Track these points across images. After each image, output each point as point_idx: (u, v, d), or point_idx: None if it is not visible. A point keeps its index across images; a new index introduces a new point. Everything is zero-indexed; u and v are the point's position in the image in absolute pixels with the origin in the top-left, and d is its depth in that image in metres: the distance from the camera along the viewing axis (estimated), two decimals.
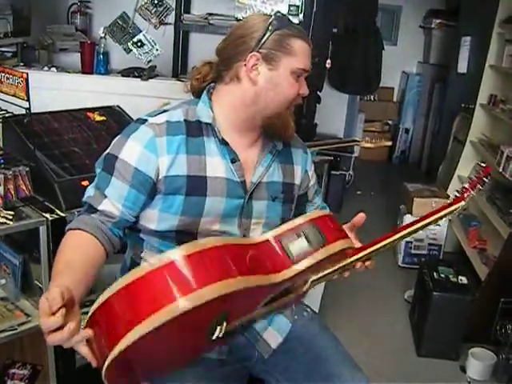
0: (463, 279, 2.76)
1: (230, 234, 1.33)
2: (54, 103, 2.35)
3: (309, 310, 1.54)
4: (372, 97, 6.41)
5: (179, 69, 3.09)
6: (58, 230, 1.75)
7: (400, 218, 3.74)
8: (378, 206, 4.71)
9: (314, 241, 1.18)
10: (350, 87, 4.76)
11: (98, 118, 2.26)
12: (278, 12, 1.32)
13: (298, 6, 2.82)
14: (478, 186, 1.35)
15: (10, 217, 1.71)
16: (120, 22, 3.06)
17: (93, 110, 2.30)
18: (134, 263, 1.39)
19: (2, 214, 1.70)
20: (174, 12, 3.04)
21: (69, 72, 2.85)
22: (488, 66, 3.78)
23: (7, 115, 1.96)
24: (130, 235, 1.36)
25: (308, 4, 2.83)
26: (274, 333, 1.44)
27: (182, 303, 0.89)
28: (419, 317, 2.84)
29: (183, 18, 3.02)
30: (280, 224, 1.28)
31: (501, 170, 3.16)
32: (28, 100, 1.80)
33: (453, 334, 2.68)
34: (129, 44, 3.07)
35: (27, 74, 1.81)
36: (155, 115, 1.31)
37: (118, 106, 2.40)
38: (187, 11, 3.12)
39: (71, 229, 1.24)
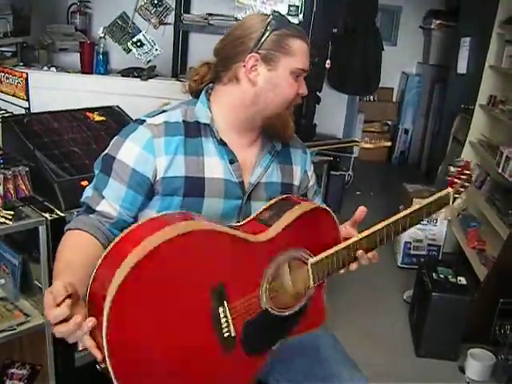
0: (462, 280, 2.76)
1: None
2: (54, 103, 2.35)
3: None
4: (371, 97, 6.41)
5: (179, 69, 3.09)
6: (57, 230, 1.75)
7: None
8: (378, 206, 4.70)
9: (283, 209, 1.28)
10: (349, 87, 4.76)
11: (98, 118, 2.26)
12: (276, 12, 1.31)
13: (297, 7, 2.82)
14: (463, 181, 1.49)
15: (10, 217, 1.71)
16: (120, 22, 3.06)
17: (92, 110, 2.31)
18: None
19: (1, 214, 1.71)
20: (173, 12, 3.04)
21: (68, 72, 2.85)
22: (488, 66, 3.78)
23: (7, 115, 1.96)
24: None
25: (308, 4, 2.84)
26: None
27: (145, 241, 0.99)
28: (418, 317, 2.85)
29: (183, 18, 3.03)
30: None
31: (500, 171, 3.17)
32: (28, 100, 1.80)
33: (452, 335, 2.68)
34: (128, 44, 3.07)
35: (27, 73, 1.81)
36: (154, 116, 1.31)
37: (117, 106, 2.40)
38: (187, 11, 3.12)
39: (70, 229, 1.24)
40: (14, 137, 1.97)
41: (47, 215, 1.78)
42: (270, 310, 1.22)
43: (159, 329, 1.02)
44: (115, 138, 1.31)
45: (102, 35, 2.94)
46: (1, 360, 2.05)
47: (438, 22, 5.84)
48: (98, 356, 0.98)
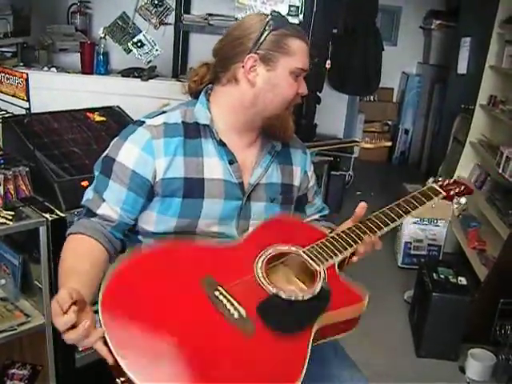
0: (462, 280, 2.76)
1: (227, 236, 1.33)
2: (54, 103, 2.35)
3: None
4: (372, 97, 6.40)
5: (179, 69, 3.09)
6: (57, 231, 1.75)
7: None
8: (378, 206, 4.69)
9: None
10: (349, 88, 4.75)
11: (98, 119, 2.26)
12: (275, 11, 1.31)
13: (297, 7, 2.82)
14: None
15: (10, 217, 1.71)
16: (120, 23, 3.06)
17: (93, 110, 2.31)
18: None
19: (1, 214, 1.71)
20: (174, 12, 3.04)
21: (69, 72, 2.85)
22: (488, 66, 3.78)
23: (7, 115, 1.96)
24: (128, 236, 1.36)
25: (308, 4, 2.84)
26: None
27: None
28: (419, 317, 2.84)
29: (183, 19, 3.03)
30: None
31: (500, 171, 3.17)
32: (28, 100, 1.80)
33: (452, 335, 2.67)
34: (129, 44, 3.06)
35: (27, 74, 1.81)
36: (153, 117, 1.31)
37: (117, 107, 2.40)
38: (187, 11, 3.12)
39: (72, 233, 1.24)
40: (14, 137, 1.97)
41: (47, 215, 1.78)
42: (279, 293, 1.14)
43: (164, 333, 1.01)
44: (115, 139, 1.31)
45: (103, 35, 2.94)
46: (1, 360, 2.05)
47: (438, 22, 5.84)
48: (110, 360, 0.97)
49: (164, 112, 1.32)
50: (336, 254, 1.26)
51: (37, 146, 1.91)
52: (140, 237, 1.34)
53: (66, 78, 2.80)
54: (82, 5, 3.10)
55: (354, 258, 1.32)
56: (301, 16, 2.83)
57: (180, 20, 3.02)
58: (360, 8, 4.59)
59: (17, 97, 1.84)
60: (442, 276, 2.78)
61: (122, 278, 1.08)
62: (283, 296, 1.13)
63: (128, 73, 2.92)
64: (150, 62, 3.06)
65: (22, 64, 2.81)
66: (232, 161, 1.31)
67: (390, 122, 6.56)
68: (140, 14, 3.07)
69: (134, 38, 3.06)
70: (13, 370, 2.02)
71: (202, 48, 2.89)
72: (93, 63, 2.91)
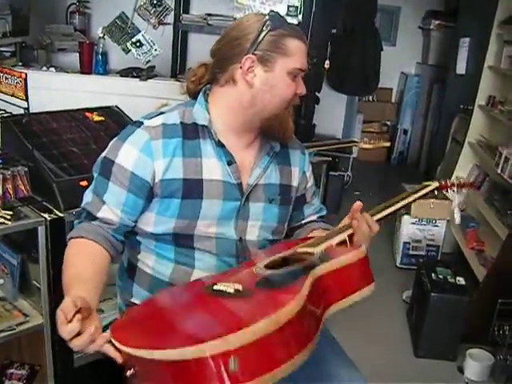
0: (461, 280, 2.76)
1: (226, 237, 1.33)
2: (53, 103, 2.35)
3: None
4: (370, 97, 6.40)
5: (178, 69, 3.10)
6: (56, 230, 1.75)
7: (398, 219, 3.74)
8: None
9: None
10: (348, 88, 4.76)
11: (97, 118, 2.26)
12: (273, 12, 1.30)
13: (296, 7, 2.83)
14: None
15: (9, 217, 1.71)
16: (119, 22, 3.06)
17: (91, 110, 2.30)
18: (132, 264, 1.39)
19: (0, 214, 1.70)
20: (172, 12, 3.05)
21: (67, 72, 2.86)
22: (487, 66, 3.78)
23: (6, 115, 1.96)
24: (127, 237, 1.35)
25: (307, 5, 2.84)
26: None
27: None
28: (417, 317, 2.85)
29: (182, 19, 3.03)
30: (276, 226, 1.28)
31: (499, 172, 3.17)
32: (26, 100, 1.79)
33: (450, 335, 2.68)
34: (127, 44, 3.06)
35: (26, 73, 1.80)
36: (151, 118, 1.31)
37: (116, 107, 2.40)
38: (186, 11, 3.13)
39: (73, 237, 1.24)
40: (12, 137, 1.97)
41: (46, 215, 1.77)
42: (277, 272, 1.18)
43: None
44: (113, 140, 1.31)
45: (101, 35, 2.94)
46: (0, 360, 2.05)
47: (437, 22, 5.84)
48: (119, 360, 0.99)
49: (162, 113, 1.32)
50: (331, 238, 1.26)
51: (35, 145, 1.90)
52: (139, 237, 1.34)
53: (64, 77, 2.80)
54: (80, 4, 3.10)
55: (355, 238, 1.30)
56: (300, 16, 2.84)
57: (179, 20, 3.02)
58: (359, 8, 4.59)
59: (15, 96, 1.83)
60: (440, 276, 2.78)
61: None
62: (280, 271, 1.17)
63: (127, 73, 2.92)
64: (148, 61, 3.05)
65: (20, 64, 2.82)
66: (230, 161, 1.31)
67: (388, 123, 6.56)
68: (139, 14, 3.07)
69: (132, 37, 3.06)
70: (11, 370, 2.02)
71: (200, 48, 2.89)
72: (91, 63, 2.91)
